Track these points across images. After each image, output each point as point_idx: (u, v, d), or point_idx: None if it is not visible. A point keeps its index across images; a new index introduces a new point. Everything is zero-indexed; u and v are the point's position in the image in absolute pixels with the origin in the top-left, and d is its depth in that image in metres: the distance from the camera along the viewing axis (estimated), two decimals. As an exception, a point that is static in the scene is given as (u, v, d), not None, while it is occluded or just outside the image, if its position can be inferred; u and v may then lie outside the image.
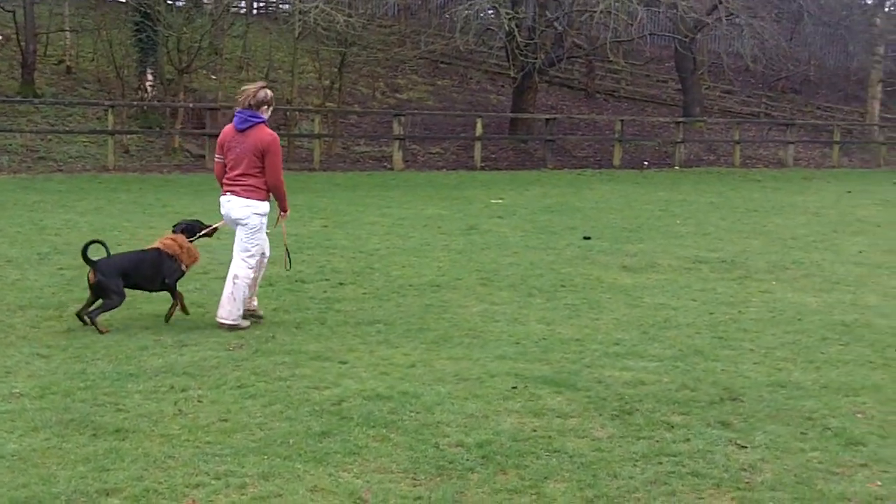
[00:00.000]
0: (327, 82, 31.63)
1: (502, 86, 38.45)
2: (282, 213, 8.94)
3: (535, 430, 6.00)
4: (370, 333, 8.55)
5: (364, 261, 12.32)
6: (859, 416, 6.47)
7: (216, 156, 8.68)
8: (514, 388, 6.87)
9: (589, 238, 14.99)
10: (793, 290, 11.12)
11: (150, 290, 8.96)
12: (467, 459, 5.50)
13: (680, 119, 34.45)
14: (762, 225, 17.39)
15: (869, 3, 47.92)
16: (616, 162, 31.07)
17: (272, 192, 8.57)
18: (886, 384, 7.24)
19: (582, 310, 9.81)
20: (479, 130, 29.54)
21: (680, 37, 34.13)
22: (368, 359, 7.65)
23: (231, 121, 8.62)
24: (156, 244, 8.89)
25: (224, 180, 8.59)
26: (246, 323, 8.64)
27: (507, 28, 30.42)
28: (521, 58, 31.53)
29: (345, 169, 27.56)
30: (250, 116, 8.40)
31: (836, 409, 6.59)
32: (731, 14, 33.12)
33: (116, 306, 8.50)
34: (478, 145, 29.46)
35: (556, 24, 32.13)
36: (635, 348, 8.21)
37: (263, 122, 8.47)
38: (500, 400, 6.60)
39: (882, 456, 5.73)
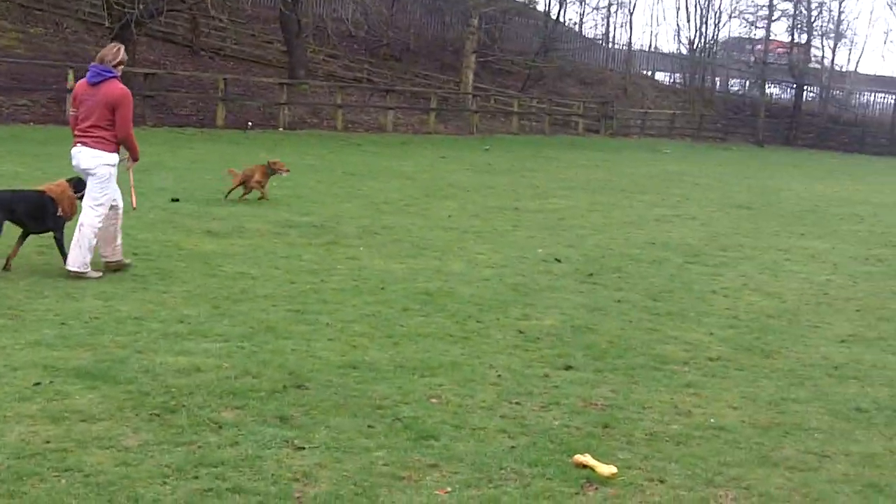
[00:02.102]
0: None
1: (102, 37, 35.70)
2: (132, 161, 9.11)
3: (48, 442, 4.84)
4: None
5: None
6: (434, 401, 5.85)
7: (70, 109, 8.98)
8: (37, 384, 5.66)
9: (177, 200, 13.89)
10: (380, 257, 10.62)
11: (33, 231, 8.90)
12: (-54, 488, 4.27)
13: (285, 81, 33.74)
14: (357, 189, 17.00)
15: (467, -25, 49.47)
16: (219, 121, 29.85)
17: (123, 143, 8.80)
18: (464, 361, 6.73)
19: (151, 281, 8.75)
20: (71, 83, 27.24)
21: (284, -3, 33.36)
22: None
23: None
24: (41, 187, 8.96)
25: (75, 132, 8.79)
26: (96, 273, 8.75)
27: (100, -26, 28.27)
28: (118, 7, 29.52)
29: None
30: (102, 71, 8.62)
31: (409, 393, 5.94)
32: (335, -23, 32.76)
33: None
34: (69, 98, 27.16)
35: (155, -27, 30.26)
36: (201, 326, 7.26)
37: (115, 77, 8.68)
38: (15, 401, 5.36)
39: (455, 452, 5.09)
